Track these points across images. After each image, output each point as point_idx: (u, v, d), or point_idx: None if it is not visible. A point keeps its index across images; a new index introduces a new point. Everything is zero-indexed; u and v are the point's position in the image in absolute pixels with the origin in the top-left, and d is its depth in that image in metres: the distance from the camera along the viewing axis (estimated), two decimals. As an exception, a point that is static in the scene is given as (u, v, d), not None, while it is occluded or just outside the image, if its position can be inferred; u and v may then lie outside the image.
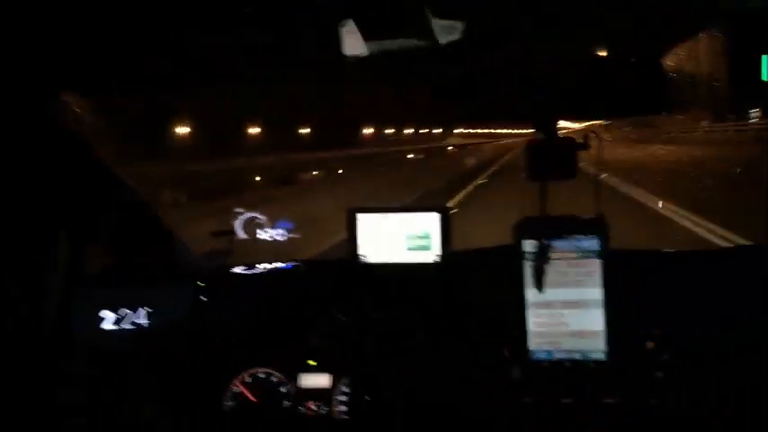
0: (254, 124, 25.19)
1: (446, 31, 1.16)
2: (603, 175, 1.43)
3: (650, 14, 1.10)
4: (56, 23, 1.08)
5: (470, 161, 26.26)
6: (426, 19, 1.09)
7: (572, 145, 1.35)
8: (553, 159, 1.38)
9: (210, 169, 15.72)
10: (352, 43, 1.23)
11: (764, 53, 1.00)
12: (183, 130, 19.96)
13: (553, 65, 1.29)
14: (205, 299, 1.68)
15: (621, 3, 1.08)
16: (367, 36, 1.14)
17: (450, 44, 1.17)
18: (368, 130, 40.07)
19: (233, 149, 20.94)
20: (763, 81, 1.00)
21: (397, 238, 1.64)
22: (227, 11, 1.15)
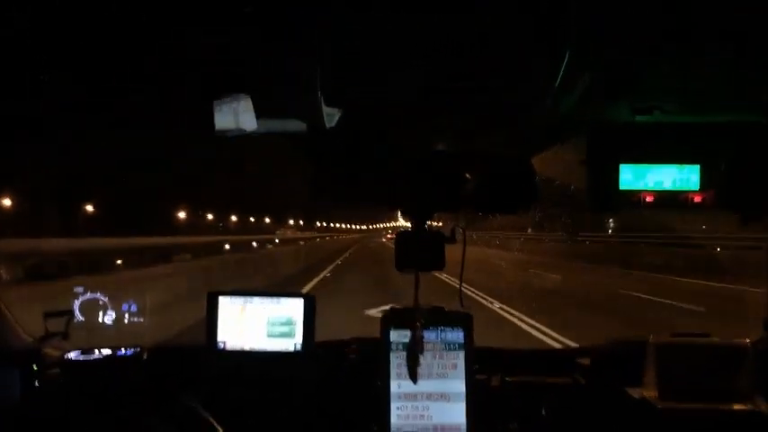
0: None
1: (333, 115, 1.29)
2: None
3: (524, 117, 1.31)
4: None
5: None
6: (316, 102, 1.21)
7: (441, 237, 1.53)
8: (422, 250, 1.51)
9: None
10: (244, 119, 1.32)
11: (623, 162, 1.24)
12: None
13: (434, 157, 1.46)
14: (38, 385, 1.54)
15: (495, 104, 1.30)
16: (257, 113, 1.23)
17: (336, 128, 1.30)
18: (182, 214, 37.99)
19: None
20: (621, 190, 1.24)
21: (258, 323, 1.67)
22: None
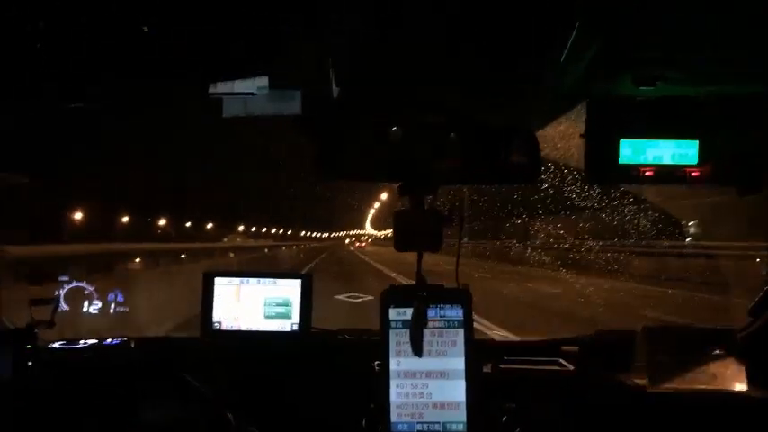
0: None
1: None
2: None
3: (525, 90, 1.48)
4: None
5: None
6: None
7: (440, 217, 1.76)
8: (421, 230, 1.71)
9: None
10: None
11: (622, 137, 1.44)
12: None
13: (436, 130, 1.63)
14: (31, 364, 1.73)
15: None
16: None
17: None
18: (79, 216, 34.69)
19: None
20: (620, 164, 1.44)
21: (254, 304, 1.90)
22: None
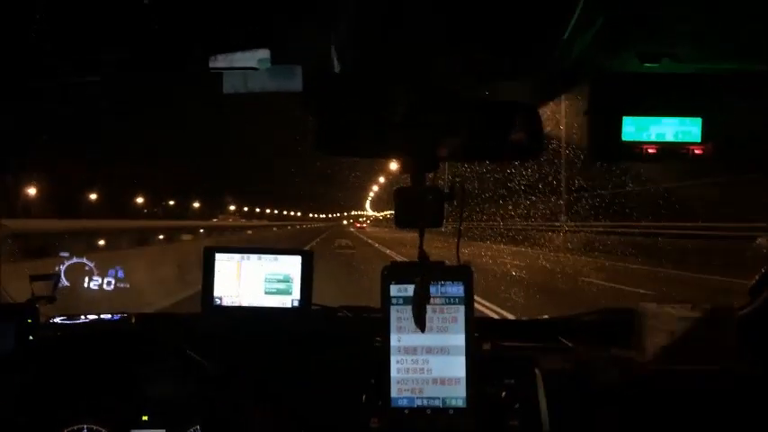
0: None
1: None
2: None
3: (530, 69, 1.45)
4: None
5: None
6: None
7: (440, 193, 1.83)
8: (422, 207, 1.74)
9: None
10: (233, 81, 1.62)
11: (625, 114, 1.48)
12: None
13: (442, 108, 1.66)
14: (33, 339, 1.82)
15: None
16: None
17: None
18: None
19: None
20: (623, 142, 1.49)
21: (255, 280, 1.98)
22: None
